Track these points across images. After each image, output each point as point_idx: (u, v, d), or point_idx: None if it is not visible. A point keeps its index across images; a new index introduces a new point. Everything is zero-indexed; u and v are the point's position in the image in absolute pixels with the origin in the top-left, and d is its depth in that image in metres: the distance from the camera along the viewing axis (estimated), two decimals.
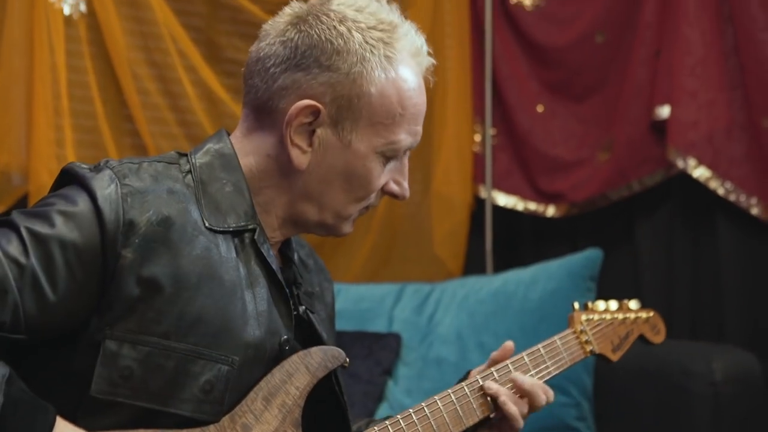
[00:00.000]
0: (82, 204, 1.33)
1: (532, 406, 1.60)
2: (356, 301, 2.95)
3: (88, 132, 2.91)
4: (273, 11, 1.51)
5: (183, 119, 3.03)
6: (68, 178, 1.39)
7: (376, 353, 2.78)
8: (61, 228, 1.30)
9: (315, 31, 1.41)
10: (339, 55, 1.40)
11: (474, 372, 1.65)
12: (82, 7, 2.85)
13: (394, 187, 1.50)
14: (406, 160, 1.50)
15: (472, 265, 3.44)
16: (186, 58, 2.99)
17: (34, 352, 1.33)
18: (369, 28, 1.42)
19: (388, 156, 1.46)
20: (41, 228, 1.30)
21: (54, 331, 1.33)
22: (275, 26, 1.45)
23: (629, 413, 2.68)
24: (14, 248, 1.28)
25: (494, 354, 1.66)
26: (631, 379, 2.66)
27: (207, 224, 1.39)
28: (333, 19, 1.42)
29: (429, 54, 1.49)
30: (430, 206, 3.45)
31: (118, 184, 1.35)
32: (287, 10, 1.47)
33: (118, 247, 1.32)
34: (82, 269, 1.31)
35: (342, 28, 1.41)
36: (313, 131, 1.42)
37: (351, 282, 3.19)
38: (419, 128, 1.47)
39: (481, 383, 1.60)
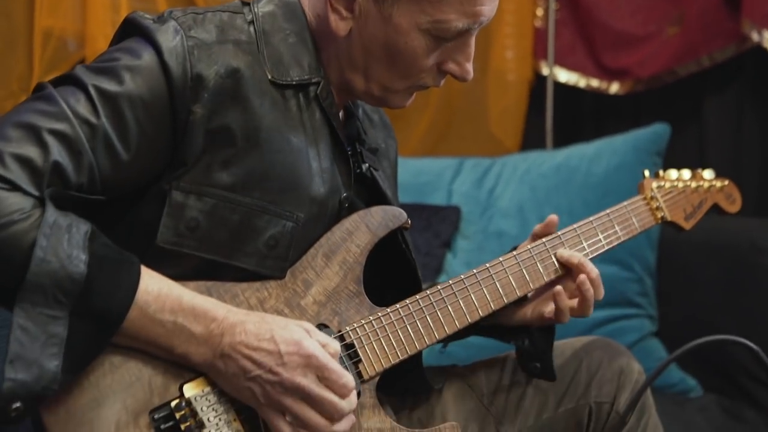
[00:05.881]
0: (148, 57, 1.30)
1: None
2: (415, 175, 2.90)
3: None
4: None
5: None
6: (131, 29, 1.36)
7: (435, 226, 2.75)
8: (129, 84, 1.28)
9: None
10: None
11: (521, 246, 1.60)
12: None
13: (452, 66, 1.43)
14: (470, 41, 1.41)
15: (531, 144, 3.37)
16: None
17: (109, 205, 1.33)
18: None
19: (437, 36, 1.38)
20: (109, 86, 1.28)
21: (130, 188, 1.32)
22: None
23: (694, 290, 2.62)
24: (83, 108, 1.26)
25: (537, 228, 1.62)
26: (697, 255, 2.60)
27: (270, 77, 1.36)
28: None
29: None
30: (486, 83, 3.36)
31: (184, 36, 1.32)
32: None
33: (188, 102, 1.30)
34: (152, 124, 1.30)
35: None
36: None
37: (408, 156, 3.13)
38: (479, 8, 1.37)
39: (547, 247, 1.56)
